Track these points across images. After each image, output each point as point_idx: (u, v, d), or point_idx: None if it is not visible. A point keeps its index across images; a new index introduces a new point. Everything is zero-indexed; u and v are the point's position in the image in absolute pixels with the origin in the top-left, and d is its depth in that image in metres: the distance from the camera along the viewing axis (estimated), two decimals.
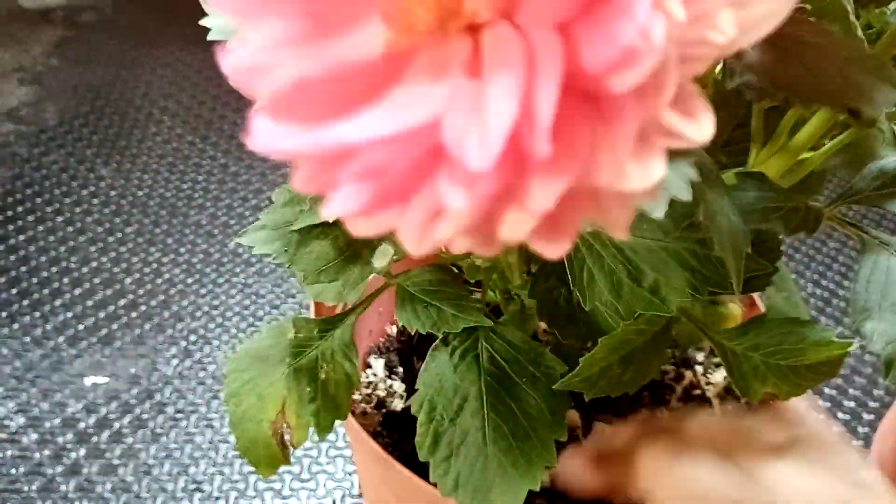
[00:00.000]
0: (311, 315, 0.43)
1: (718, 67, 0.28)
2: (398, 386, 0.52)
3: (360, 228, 0.14)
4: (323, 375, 0.33)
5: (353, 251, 0.32)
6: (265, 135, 0.13)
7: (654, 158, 0.12)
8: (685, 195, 0.21)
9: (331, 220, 0.30)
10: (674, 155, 0.22)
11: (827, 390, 0.76)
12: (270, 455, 0.32)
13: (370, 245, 0.32)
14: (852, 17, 0.21)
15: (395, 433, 0.47)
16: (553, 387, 0.29)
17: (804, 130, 0.26)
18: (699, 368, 0.51)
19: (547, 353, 0.32)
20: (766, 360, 0.30)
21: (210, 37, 0.31)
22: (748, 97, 0.22)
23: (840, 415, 0.75)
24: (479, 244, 0.13)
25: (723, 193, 0.22)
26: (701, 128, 0.13)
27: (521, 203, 0.12)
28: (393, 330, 0.56)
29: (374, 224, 0.13)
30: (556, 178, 0.12)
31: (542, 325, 0.46)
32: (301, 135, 0.13)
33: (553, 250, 0.13)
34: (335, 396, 0.33)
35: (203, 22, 0.32)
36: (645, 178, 0.12)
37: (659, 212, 0.21)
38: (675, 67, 0.11)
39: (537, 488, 0.28)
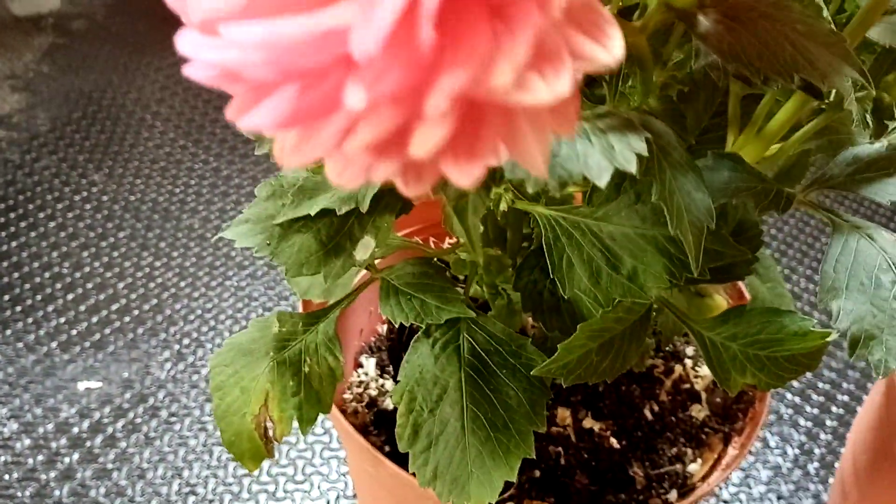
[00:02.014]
0: (300, 310, 0.43)
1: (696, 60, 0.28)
2: (390, 385, 0.52)
3: (288, 158, 0.14)
4: (307, 369, 0.33)
5: (335, 244, 0.32)
6: (194, 49, 0.13)
7: (560, 75, 0.12)
8: (630, 167, 0.21)
9: (313, 213, 0.31)
10: (627, 128, 0.22)
11: (822, 384, 0.76)
12: (254, 448, 0.32)
13: (352, 237, 0.32)
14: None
15: (386, 431, 0.47)
16: (531, 373, 0.29)
17: (778, 115, 0.26)
18: (688, 362, 0.51)
19: (528, 345, 0.32)
20: (745, 350, 0.30)
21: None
22: (713, 77, 0.22)
23: (808, 408, 0.75)
24: (400, 171, 0.13)
25: (687, 171, 0.22)
26: (609, 50, 0.13)
27: (421, 110, 0.12)
28: (384, 329, 0.56)
29: (301, 152, 0.13)
30: (450, 77, 0.12)
31: (530, 319, 0.46)
32: (224, 43, 0.13)
33: (465, 177, 0.13)
34: (318, 390, 0.33)
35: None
36: (548, 91, 0.12)
37: (602, 180, 0.21)
38: None
39: (514, 479, 0.28)
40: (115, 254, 0.86)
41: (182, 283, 0.83)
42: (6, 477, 0.65)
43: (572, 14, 0.12)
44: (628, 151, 0.19)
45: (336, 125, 0.12)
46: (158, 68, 1.14)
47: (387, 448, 0.45)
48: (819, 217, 0.27)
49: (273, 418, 0.32)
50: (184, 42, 0.13)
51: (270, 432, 0.32)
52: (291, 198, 0.31)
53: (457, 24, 0.11)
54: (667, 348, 0.51)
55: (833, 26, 0.21)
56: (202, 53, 0.12)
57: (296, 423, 0.32)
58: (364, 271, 0.41)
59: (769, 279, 0.40)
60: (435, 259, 0.39)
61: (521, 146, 0.13)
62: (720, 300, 0.42)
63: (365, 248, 0.32)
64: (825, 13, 0.20)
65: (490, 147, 0.12)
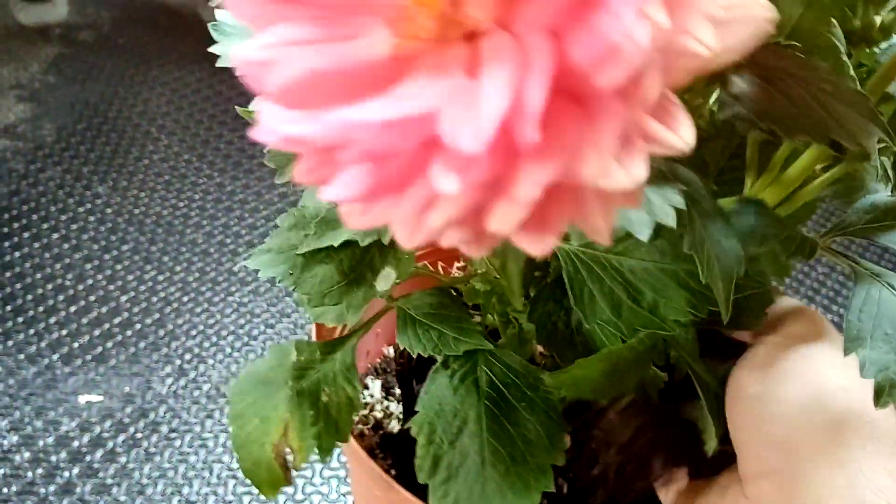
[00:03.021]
0: (313, 336, 0.43)
1: (713, 99, 0.29)
2: (395, 407, 0.52)
3: (355, 220, 0.14)
4: (325, 399, 0.33)
5: (357, 275, 0.32)
6: (272, 122, 0.14)
7: (636, 160, 0.13)
8: (671, 221, 0.21)
9: (336, 245, 0.31)
10: (662, 179, 0.23)
11: None
12: (273, 477, 0.33)
13: (373, 268, 0.32)
14: (843, 57, 0.22)
15: (392, 454, 0.47)
16: (545, 381, 0.29)
17: (798, 163, 0.26)
18: None
19: (545, 378, 0.32)
20: None
21: (219, 63, 0.32)
22: (738, 129, 0.23)
23: None
24: (469, 239, 0.14)
25: (716, 219, 0.22)
26: (681, 136, 0.13)
27: (510, 193, 0.13)
28: (390, 351, 0.56)
29: (369, 216, 0.14)
30: (542, 168, 0.12)
31: (540, 347, 0.47)
32: (307, 121, 0.13)
33: (537, 247, 0.14)
34: (337, 420, 0.33)
35: (213, 49, 0.32)
36: (627, 177, 0.13)
37: (644, 234, 0.22)
38: (657, 71, 0.12)
39: None
40: (119, 267, 0.86)
41: (184, 298, 0.83)
42: (5, 490, 0.64)
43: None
44: (667, 205, 0.20)
45: (416, 200, 0.13)
46: (164, 81, 1.15)
47: (393, 472, 0.46)
48: (835, 261, 0.27)
49: (293, 447, 0.32)
50: (265, 113, 0.13)
51: (289, 461, 0.32)
52: (314, 228, 0.32)
53: (548, 120, 0.12)
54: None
55: (857, 83, 0.21)
56: (283, 127, 0.13)
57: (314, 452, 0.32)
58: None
59: None
60: (449, 287, 0.39)
61: (589, 220, 0.13)
62: None
63: (386, 279, 0.32)
64: (850, 71, 0.21)
65: (560, 221, 0.13)
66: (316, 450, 0.32)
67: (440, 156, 0.12)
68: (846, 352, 0.24)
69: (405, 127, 0.12)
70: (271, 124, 0.13)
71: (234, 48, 0.14)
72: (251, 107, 0.34)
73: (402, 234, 0.13)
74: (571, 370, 0.29)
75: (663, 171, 0.21)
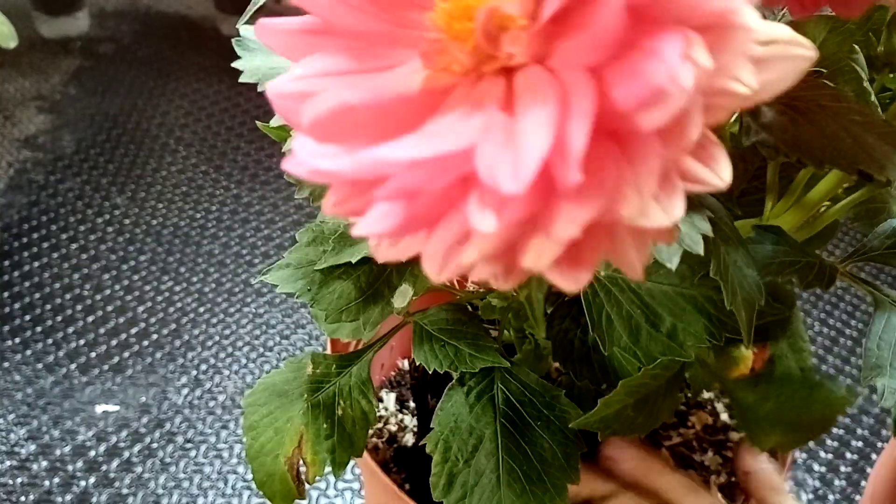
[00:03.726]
0: (328, 349, 0.43)
1: (732, 120, 0.28)
2: (409, 420, 0.52)
3: (384, 253, 0.14)
4: (340, 412, 0.33)
5: (375, 291, 0.32)
6: (306, 155, 0.14)
7: (675, 199, 0.13)
8: (699, 249, 0.21)
9: (354, 261, 0.31)
10: (689, 207, 0.23)
11: (836, 430, 0.76)
12: (286, 490, 0.33)
13: (390, 285, 0.32)
14: (865, 83, 0.22)
15: (405, 468, 0.47)
16: (570, 425, 0.29)
17: (819, 187, 0.26)
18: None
19: (562, 397, 0.32)
20: (776, 412, 0.30)
21: (242, 79, 0.32)
22: (764, 154, 0.23)
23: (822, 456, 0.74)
24: (499, 273, 0.14)
25: (737, 246, 0.22)
26: (719, 174, 0.13)
27: (548, 231, 0.13)
28: (405, 364, 0.56)
29: (399, 249, 0.14)
30: (582, 208, 0.12)
31: (556, 364, 0.47)
32: (341, 156, 0.13)
33: (570, 284, 0.13)
34: (351, 434, 0.33)
35: (235, 64, 0.33)
36: (665, 216, 0.13)
37: (673, 262, 0.22)
38: (698, 112, 0.12)
39: None
40: (136, 277, 0.87)
41: (201, 309, 0.84)
42: (22, 499, 0.65)
43: None
44: (695, 233, 0.20)
45: (449, 235, 0.13)
46: (183, 94, 1.16)
47: (406, 486, 0.45)
48: (859, 290, 0.27)
49: (306, 460, 0.32)
50: (298, 146, 0.13)
51: (303, 474, 0.32)
52: (333, 244, 0.32)
53: (589, 160, 0.11)
54: (688, 394, 0.52)
55: (879, 109, 0.21)
56: (315, 161, 0.13)
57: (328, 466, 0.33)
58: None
59: (791, 333, 0.41)
60: (466, 303, 0.39)
61: (623, 256, 0.13)
62: (745, 350, 0.43)
63: (403, 295, 0.32)
64: (873, 97, 0.21)
65: (595, 257, 0.13)
66: (329, 464, 0.32)
67: (476, 193, 0.12)
68: (863, 381, 0.24)
69: (439, 164, 0.12)
70: (304, 157, 0.13)
71: (269, 83, 0.14)
72: (272, 123, 0.35)
73: (432, 268, 0.13)
74: (599, 409, 0.28)
75: (691, 198, 0.21)
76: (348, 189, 0.14)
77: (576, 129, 0.12)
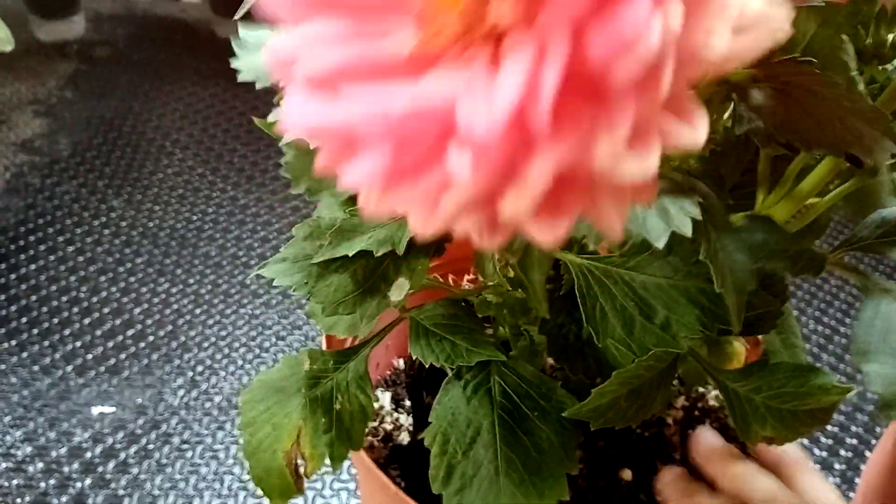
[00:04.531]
0: (323, 347, 0.43)
1: (727, 115, 0.29)
2: (405, 419, 0.52)
3: (373, 206, 0.15)
4: (338, 406, 0.33)
5: (371, 284, 0.32)
6: (297, 109, 0.14)
7: (650, 153, 0.13)
8: (687, 230, 0.22)
9: (350, 255, 0.31)
10: (680, 191, 0.23)
11: (830, 427, 0.77)
12: (284, 485, 0.33)
13: (387, 278, 0.33)
14: (853, 72, 0.22)
15: (401, 466, 0.47)
16: (562, 414, 0.29)
17: (810, 178, 0.27)
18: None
19: (558, 389, 0.32)
20: (768, 404, 0.30)
21: (240, 78, 0.32)
22: (756, 142, 0.23)
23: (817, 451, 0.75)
24: (482, 227, 0.14)
25: (729, 233, 0.23)
26: (695, 132, 0.14)
27: (523, 178, 0.13)
28: (400, 363, 0.56)
29: (386, 202, 0.14)
30: (553, 154, 0.13)
31: (551, 360, 0.47)
32: (331, 108, 0.14)
33: (549, 234, 0.14)
34: (349, 428, 0.33)
35: (234, 63, 0.33)
36: (639, 168, 0.13)
37: (661, 241, 0.22)
38: (670, 66, 0.13)
39: None
40: (132, 279, 0.87)
41: (197, 310, 0.84)
42: (18, 500, 0.65)
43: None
44: (683, 215, 0.20)
45: (431, 184, 0.13)
46: (179, 97, 1.16)
47: (402, 484, 0.46)
48: (851, 280, 0.28)
49: (305, 455, 0.32)
50: (290, 104, 0.14)
51: (301, 469, 0.33)
52: (329, 238, 0.32)
53: (561, 103, 0.12)
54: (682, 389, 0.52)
55: (868, 98, 0.22)
56: (307, 115, 0.13)
57: (326, 460, 0.33)
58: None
59: (784, 329, 0.41)
60: (461, 299, 0.39)
61: (601, 213, 0.14)
62: (738, 346, 0.43)
63: (399, 289, 0.33)
64: (861, 87, 0.22)
65: (572, 211, 0.13)
66: (328, 458, 0.32)
67: (456, 143, 0.13)
68: (852, 365, 0.25)
69: (424, 115, 0.13)
70: (296, 113, 0.14)
71: (269, 41, 0.15)
72: (269, 118, 0.35)
73: (418, 219, 0.14)
74: (592, 399, 0.29)
75: (681, 184, 0.21)
76: (339, 142, 0.14)
77: (547, 76, 0.12)
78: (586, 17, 0.12)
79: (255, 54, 0.34)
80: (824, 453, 0.75)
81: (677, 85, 0.13)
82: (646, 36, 0.12)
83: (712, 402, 0.51)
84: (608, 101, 0.12)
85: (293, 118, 0.14)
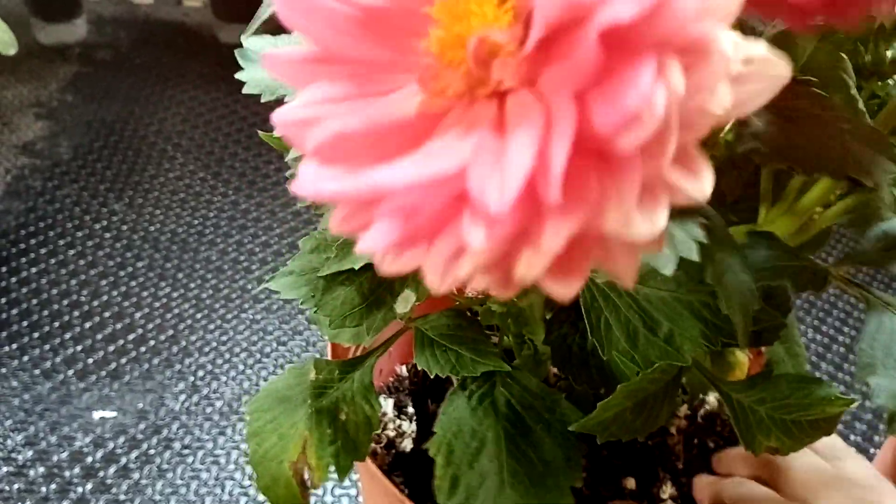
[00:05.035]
0: (328, 355, 0.44)
1: (727, 129, 0.29)
2: (408, 426, 0.52)
3: (387, 266, 0.15)
4: (343, 417, 0.34)
5: (377, 297, 0.33)
6: (310, 179, 0.15)
7: (658, 210, 0.13)
8: (693, 256, 0.22)
9: (357, 267, 0.32)
10: (683, 214, 0.23)
11: None
12: (290, 494, 0.33)
13: (393, 291, 0.33)
14: (853, 91, 0.23)
15: (404, 473, 0.47)
16: (568, 428, 0.30)
17: (811, 193, 0.27)
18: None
19: (562, 400, 0.33)
20: (772, 415, 0.31)
21: (245, 90, 0.33)
22: (756, 160, 0.23)
23: None
24: (496, 283, 0.15)
25: (732, 252, 0.23)
26: (701, 185, 0.14)
27: (536, 244, 0.13)
28: (403, 370, 0.56)
29: (400, 262, 0.15)
30: (566, 222, 0.13)
31: (554, 369, 0.47)
32: (343, 179, 0.14)
33: (564, 291, 0.14)
34: (355, 438, 0.33)
35: (238, 76, 0.33)
36: (649, 227, 0.13)
37: (668, 269, 0.23)
38: (675, 131, 0.13)
39: None
40: (133, 283, 0.87)
41: (198, 315, 0.84)
42: None
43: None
44: (689, 240, 0.21)
45: (446, 249, 0.13)
46: (181, 101, 1.17)
47: (406, 490, 0.46)
48: (850, 293, 0.28)
49: (310, 465, 0.32)
50: (303, 170, 0.14)
51: (307, 479, 0.33)
52: (336, 251, 0.33)
53: (569, 169, 0.12)
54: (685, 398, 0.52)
55: (868, 116, 0.22)
56: (320, 185, 0.14)
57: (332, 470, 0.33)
58: None
59: (787, 339, 0.41)
60: (466, 309, 0.40)
61: (613, 266, 0.14)
62: (741, 356, 0.43)
63: (405, 301, 0.33)
64: (860, 105, 0.22)
65: (586, 266, 0.14)
66: (333, 468, 0.32)
67: (469, 210, 0.13)
68: (858, 379, 0.25)
69: (435, 184, 0.13)
70: (309, 181, 0.14)
71: (276, 111, 0.15)
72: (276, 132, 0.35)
73: (433, 279, 0.14)
74: (597, 413, 0.29)
75: (685, 206, 0.22)
76: (352, 207, 0.15)
77: (557, 149, 0.13)
78: (590, 83, 0.13)
79: (260, 67, 0.35)
80: None
81: (682, 142, 0.13)
82: (651, 107, 0.12)
83: (712, 404, 0.51)
84: (615, 166, 0.13)
85: (307, 188, 0.14)
